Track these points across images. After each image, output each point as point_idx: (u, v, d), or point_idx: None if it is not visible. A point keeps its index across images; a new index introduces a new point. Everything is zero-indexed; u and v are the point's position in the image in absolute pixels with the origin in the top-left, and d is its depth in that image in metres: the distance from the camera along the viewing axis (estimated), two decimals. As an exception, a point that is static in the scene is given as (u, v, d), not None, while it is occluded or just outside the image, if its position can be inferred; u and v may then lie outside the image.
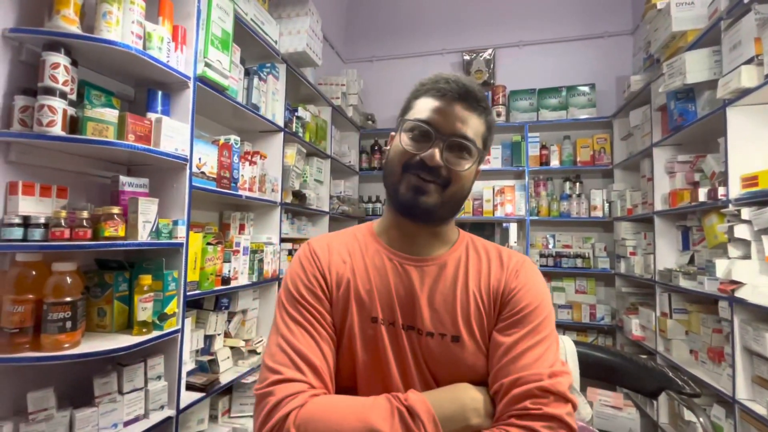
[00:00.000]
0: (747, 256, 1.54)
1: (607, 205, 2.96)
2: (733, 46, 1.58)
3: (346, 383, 0.65)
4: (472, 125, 0.66)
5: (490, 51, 3.42)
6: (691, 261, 2.11)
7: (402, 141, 0.66)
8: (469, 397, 0.59)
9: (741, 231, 1.52)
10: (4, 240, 1.04)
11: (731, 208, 1.58)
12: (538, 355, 0.59)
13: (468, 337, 0.64)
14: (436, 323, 0.64)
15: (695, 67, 1.78)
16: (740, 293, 1.51)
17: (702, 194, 1.79)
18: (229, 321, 1.79)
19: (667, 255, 2.25)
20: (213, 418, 1.69)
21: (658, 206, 2.26)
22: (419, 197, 0.65)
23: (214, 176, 1.57)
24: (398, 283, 0.67)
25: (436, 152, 0.63)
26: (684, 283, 1.94)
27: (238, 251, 1.75)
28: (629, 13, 3.19)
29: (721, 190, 1.65)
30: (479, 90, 0.68)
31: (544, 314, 0.64)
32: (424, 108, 0.66)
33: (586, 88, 3.08)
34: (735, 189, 1.60)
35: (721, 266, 1.61)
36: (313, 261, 0.69)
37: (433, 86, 0.67)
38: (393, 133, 0.72)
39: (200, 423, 1.57)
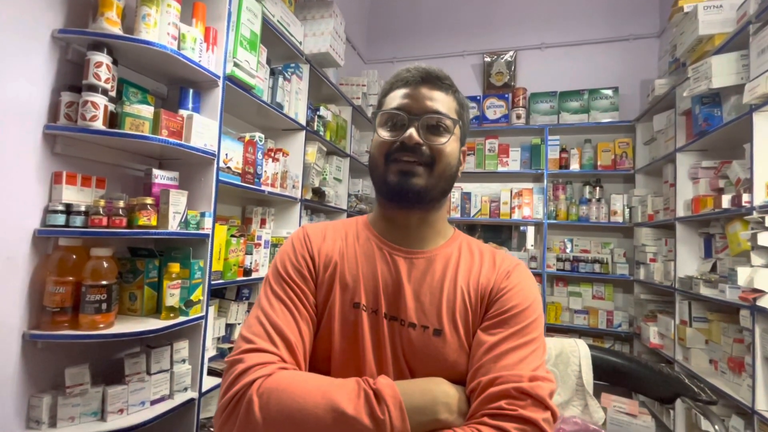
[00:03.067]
0: (771, 265, 1.51)
1: (627, 210, 2.91)
2: (761, 51, 1.55)
3: (320, 366, 0.64)
4: (442, 101, 0.67)
5: (511, 53, 3.42)
6: (713, 269, 2.06)
7: (379, 134, 0.68)
8: (441, 390, 0.56)
9: (765, 239, 1.49)
10: (48, 225, 1.13)
11: (755, 215, 1.55)
12: (521, 357, 0.57)
13: (451, 332, 0.62)
14: (420, 315, 0.63)
15: (721, 71, 1.75)
16: (762, 302, 1.48)
17: (726, 201, 1.76)
18: (248, 311, 1.86)
19: (689, 262, 2.21)
20: (231, 404, 1.75)
21: (680, 212, 2.22)
22: (409, 180, 0.64)
23: (239, 171, 1.64)
24: (385, 272, 0.67)
25: (413, 131, 0.64)
26: (705, 290, 1.91)
27: (259, 244, 1.81)
28: (656, 15, 3.13)
29: (745, 197, 1.62)
30: (441, 71, 0.69)
31: (533, 317, 0.62)
32: (394, 99, 0.68)
33: (609, 92, 3.04)
34: (760, 196, 1.57)
35: (743, 274, 1.58)
36: (303, 243, 0.70)
37: (397, 79, 0.70)
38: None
39: (220, 407, 1.64)
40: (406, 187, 0.65)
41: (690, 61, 2.09)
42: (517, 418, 0.51)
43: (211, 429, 1.54)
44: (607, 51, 3.23)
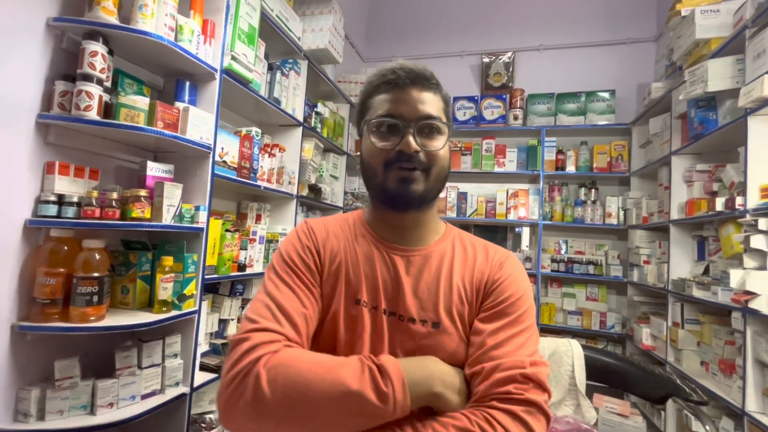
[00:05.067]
0: (763, 267, 1.52)
1: (622, 212, 2.93)
2: (757, 55, 1.56)
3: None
4: (433, 103, 0.67)
5: (509, 54, 3.42)
6: (706, 271, 2.08)
7: (373, 142, 0.67)
8: (436, 366, 0.60)
9: (757, 241, 1.51)
10: (39, 216, 1.11)
11: (748, 218, 1.56)
12: (519, 343, 0.61)
13: (449, 324, 0.65)
14: (419, 310, 0.66)
15: (717, 75, 1.76)
16: (754, 304, 1.49)
17: (719, 204, 1.77)
18: (242, 307, 1.85)
19: (682, 264, 2.23)
20: (223, 400, 1.74)
21: (675, 215, 2.23)
22: (408, 187, 0.66)
23: (235, 166, 1.63)
24: (384, 270, 0.69)
25: (411, 139, 0.64)
26: (697, 293, 1.92)
27: (254, 240, 1.80)
28: (653, 19, 3.15)
29: (738, 200, 1.64)
30: (426, 70, 0.69)
31: (526, 306, 0.66)
32: (382, 103, 0.67)
33: (605, 94, 3.05)
34: (753, 199, 1.58)
35: (735, 276, 1.59)
36: (309, 236, 0.71)
37: (383, 80, 0.68)
38: (357, 138, 0.75)
39: (211, 403, 1.63)
40: (406, 194, 0.66)
41: (686, 65, 2.10)
42: (523, 401, 0.55)
43: (203, 425, 1.53)
44: (605, 54, 3.25)
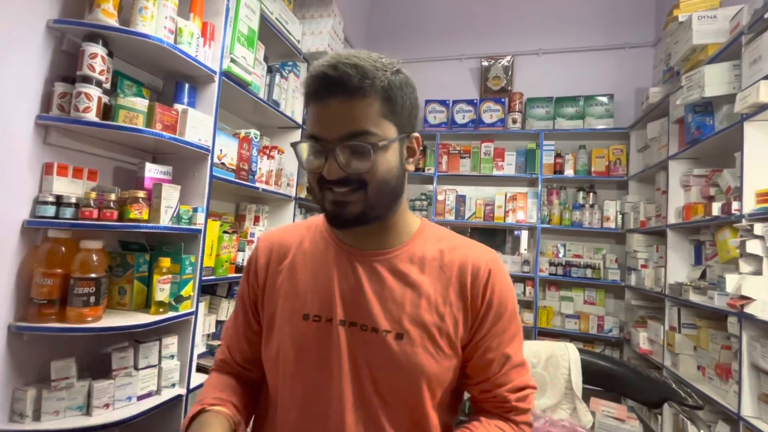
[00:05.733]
0: (759, 272, 1.53)
1: (620, 216, 2.94)
2: (753, 61, 1.57)
3: (273, 376, 0.67)
4: (359, 114, 0.56)
5: (508, 58, 3.44)
6: (703, 276, 2.08)
7: (306, 163, 0.62)
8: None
9: (753, 246, 1.51)
10: (37, 216, 1.12)
11: (744, 223, 1.57)
12: (521, 360, 0.67)
13: (416, 335, 0.61)
14: (381, 319, 0.61)
15: (714, 80, 1.77)
16: (750, 309, 1.49)
17: (716, 208, 1.78)
18: (240, 309, 1.85)
19: (679, 269, 2.23)
20: (220, 402, 1.74)
21: (672, 219, 2.24)
22: (342, 210, 0.59)
23: (234, 168, 1.63)
24: (342, 278, 0.64)
25: (333, 165, 0.57)
26: (694, 297, 1.92)
27: (252, 241, 1.80)
28: (652, 24, 3.17)
29: (735, 205, 1.64)
30: (351, 69, 0.55)
31: (516, 306, 0.69)
32: (310, 119, 0.60)
33: (604, 99, 3.06)
34: (749, 204, 1.59)
35: (731, 281, 1.60)
36: (251, 264, 0.74)
37: (308, 89, 0.59)
38: None
39: (208, 405, 1.63)
40: (342, 217, 0.60)
41: (684, 70, 2.11)
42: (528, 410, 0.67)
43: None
44: (603, 58, 3.26)
